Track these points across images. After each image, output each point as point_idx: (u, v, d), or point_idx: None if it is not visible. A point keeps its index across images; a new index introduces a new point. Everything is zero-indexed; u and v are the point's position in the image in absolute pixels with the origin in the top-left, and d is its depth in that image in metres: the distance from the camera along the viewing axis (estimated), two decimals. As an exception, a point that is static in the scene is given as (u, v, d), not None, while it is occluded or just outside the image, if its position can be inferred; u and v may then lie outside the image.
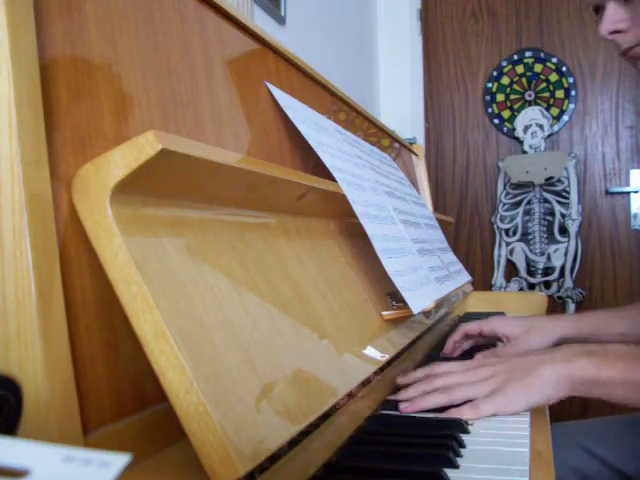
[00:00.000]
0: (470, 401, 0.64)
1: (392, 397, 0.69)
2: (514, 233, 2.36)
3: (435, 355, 0.95)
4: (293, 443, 0.44)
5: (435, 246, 1.11)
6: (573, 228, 2.28)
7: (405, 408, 0.65)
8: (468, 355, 0.90)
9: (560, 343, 0.87)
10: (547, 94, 2.37)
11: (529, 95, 2.40)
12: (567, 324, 0.91)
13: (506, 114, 2.42)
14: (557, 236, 2.30)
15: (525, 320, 0.93)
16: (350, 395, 0.54)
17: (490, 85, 2.44)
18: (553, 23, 2.37)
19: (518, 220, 2.35)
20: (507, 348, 0.88)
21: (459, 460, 0.51)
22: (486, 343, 0.97)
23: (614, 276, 2.29)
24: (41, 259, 0.33)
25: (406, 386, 0.70)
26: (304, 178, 0.60)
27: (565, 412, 2.25)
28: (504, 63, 2.43)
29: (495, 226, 2.40)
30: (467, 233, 2.46)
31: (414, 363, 0.86)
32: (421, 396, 0.66)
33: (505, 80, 2.43)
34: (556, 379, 0.63)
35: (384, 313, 0.73)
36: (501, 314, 1.35)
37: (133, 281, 0.35)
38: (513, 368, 0.66)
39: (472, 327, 0.93)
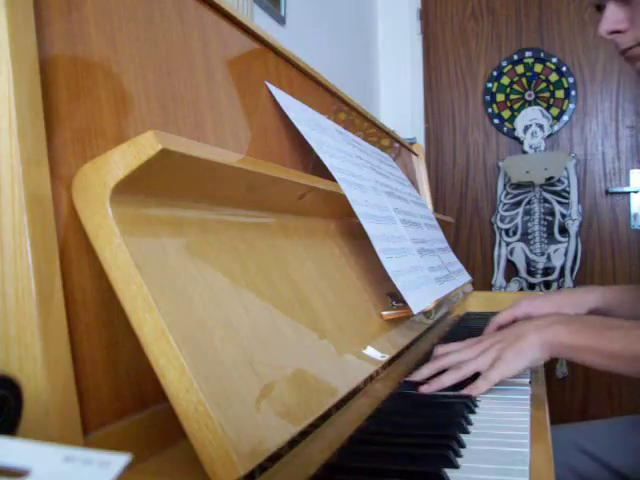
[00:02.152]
0: (478, 374, 0.72)
1: (408, 378, 0.75)
2: (514, 233, 2.36)
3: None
4: (293, 443, 0.44)
5: (435, 246, 1.11)
6: (573, 228, 2.28)
7: (425, 389, 0.72)
8: None
9: (590, 314, 0.91)
10: (547, 94, 2.37)
11: (529, 95, 2.40)
12: (596, 297, 0.94)
13: (506, 114, 2.42)
14: (557, 236, 2.30)
15: (552, 297, 0.95)
16: (351, 393, 0.54)
17: (490, 85, 2.44)
18: (553, 23, 2.37)
19: (518, 220, 2.35)
20: None
21: (459, 460, 0.51)
22: None
23: (614, 276, 2.29)
24: (41, 259, 0.33)
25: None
26: (304, 178, 0.60)
27: (565, 413, 2.25)
28: (504, 63, 2.43)
29: (495, 226, 2.40)
30: (467, 233, 2.46)
31: (414, 363, 0.86)
32: (437, 377, 0.73)
33: (505, 80, 2.43)
34: (540, 344, 0.71)
35: (384, 313, 0.73)
36: None
37: (133, 281, 0.35)
38: (505, 338, 0.74)
39: (505, 317, 0.94)
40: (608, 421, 0.99)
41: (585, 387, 2.27)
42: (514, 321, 0.93)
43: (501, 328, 0.93)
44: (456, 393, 0.70)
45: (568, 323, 0.72)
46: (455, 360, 0.74)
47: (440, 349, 0.80)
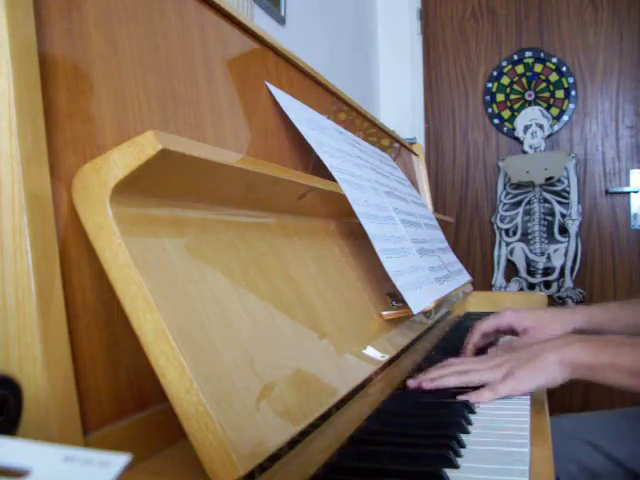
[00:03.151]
0: (483, 386, 0.70)
1: (412, 381, 0.74)
2: (514, 233, 2.36)
3: (435, 355, 0.95)
4: (293, 443, 0.44)
5: (435, 246, 1.11)
6: (573, 228, 2.28)
7: (426, 385, 0.71)
8: (482, 352, 0.90)
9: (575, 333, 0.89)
10: (547, 94, 2.37)
11: (529, 95, 2.40)
12: (581, 317, 0.93)
13: (506, 114, 2.42)
14: (557, 236, 2.30)
15: (539, 312, 0.93)
16: (351, 393, 0.54)
17: (490, 85, 2.44)
18: (553, 23, 2.37)
19: (518, 220, 2.35)
20: (524, 339, 0.88)
21: (459, 460, 0.51)
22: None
23: (614, 276, 2.29)
24: (41, 259, 0.33)
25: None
26: (304, 178, 0.60)
27: (566, 405, 2.25)
28: (504, 63, 2.43)
29: (495, 226, 2.40)
30: (467, 233, 2.46)
31: (414, 363, 0.86)
32: (441, 377, 0.71)
33: (505, 80, 2.43)
34: (558, 363, 0.69)
35: (384, 313, 0.73)
36: None
37: (133, 281, 0.35)
38: (521, 356, 0.72)
39: (489, 325, 0.93)
40: (612, 412, 0.99)
41: (585, 386, 2.27)
42: (497, 331, 0.93)
43: (484, 336, 0.93)
44: (456, 398, 0.68)
45: (587, 341, 0.70)
46: (463, 368, 0.73)
47: (452, 359, 0.79)
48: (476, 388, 0.70)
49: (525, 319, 0.91)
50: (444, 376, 0.72)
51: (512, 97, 2.42)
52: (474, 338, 0.93)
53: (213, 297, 0.41)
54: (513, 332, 0.92)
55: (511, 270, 2.37)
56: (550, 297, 2.23)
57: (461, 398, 0.68)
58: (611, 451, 0.88)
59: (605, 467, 0.88)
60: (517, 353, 0.73)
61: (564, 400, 2.26)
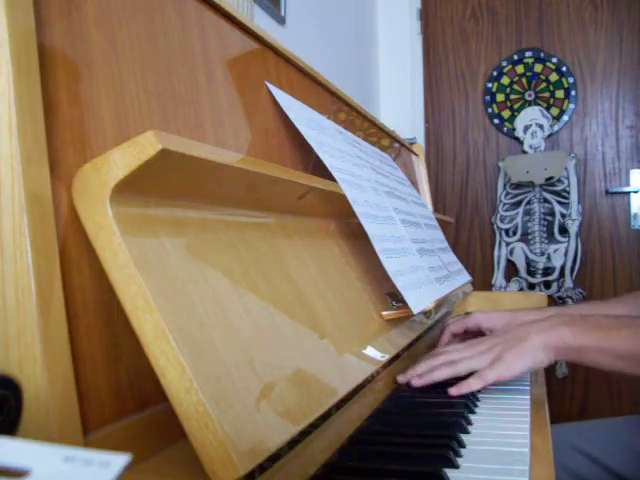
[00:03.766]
0: (473, 373, 0.70)
1: (401, 376, 0.74)
2: (514, 233, 2.36)
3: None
4: (293, 443, 0.44)
5: (435, 246, 1.11)
6: (573, 228, 2.28)
7: (416, 382, 0.71)
8: None
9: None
10: (547, 94, 2.37)
11: (529, 95, 2.40)
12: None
13: (506, 114, 2.42)
14: (557, 236, 2.30)
15: (508, 313, 0.93)
16: (351, 393, 0.54)
17: (490, 85, 2.44)
18: (553, 23, 2.37)
19: (518, 220, 2.35)
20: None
21: (459, 460, 0.51)
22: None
23: (614, 276, 2.29)
24: (41, 259, 0.33)
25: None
26: (304, 178, 0.60)
27: (565, 413, 2.25)
28: (504, 63, 2.43)
29: (495, 226, 2.39)
30: (467, 233, 2.46)
31: (414, 363, 0.86)
32: (429, 371, 0.72)
33: (505, 80, 2.43)
34: (544, 346, 0.70)
35: (384, 313, 0.73)
36: None
37: (133, 281, 0.35)
38: (507, 340, 0.73)
39: (457, 326, 0.94)
40: (606, 421, 0.99)
41: (585, 387, 2.27)
42: (466, 331, 0.93)
43: (455, 337, 0.94)
44: (447, 390, 0.69)
45: (572, 324, 0.71)
46: (451, 358, 0.73)
47: (439, 349, 0.79)
48: (467, 376, 0.70)
49: (495, 319, 0.91)
50: (432, 369, 0.72)
51: (512, 97, 2.42)
52: (444, 337, 0.94)
53: (213, 297, 0.41)
54: (481, 332, 0.92)
55: (511, 270, 2.37)
56: (550, 297, 2.23)
57: (452, 391, 0.68)
58: (604, 460, 0.88)
59: (595, 474, 0.88)
60: (504, 336, 0.74)
61: (562, 409, 2.26)
